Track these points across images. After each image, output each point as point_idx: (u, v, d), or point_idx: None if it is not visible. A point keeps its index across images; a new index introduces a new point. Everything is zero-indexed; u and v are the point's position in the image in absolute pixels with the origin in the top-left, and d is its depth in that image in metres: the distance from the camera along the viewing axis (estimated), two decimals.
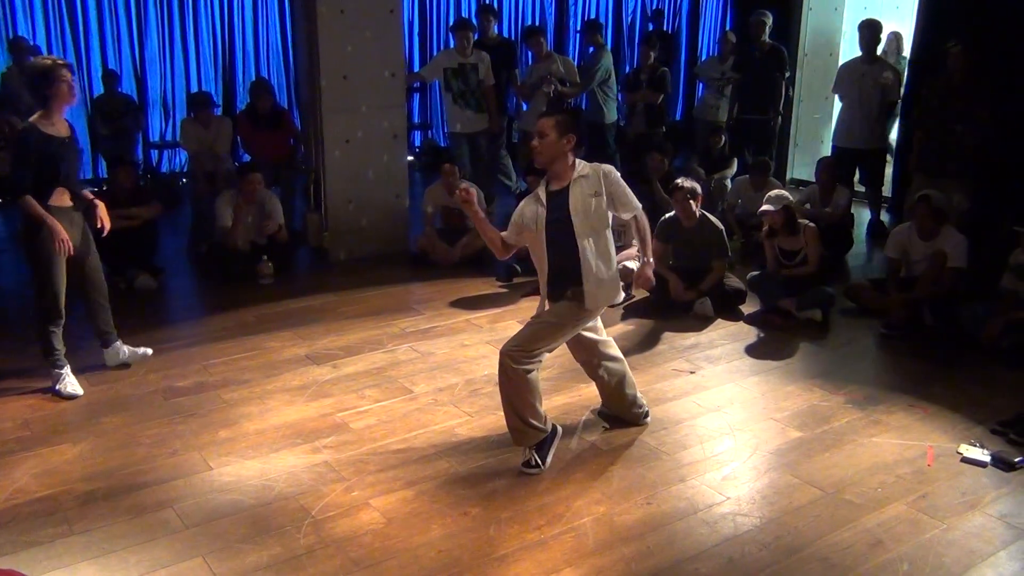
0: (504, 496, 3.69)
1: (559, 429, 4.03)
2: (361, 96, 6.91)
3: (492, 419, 4.39)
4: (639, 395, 4.32)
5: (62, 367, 4.66)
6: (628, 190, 3.90)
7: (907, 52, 8.51)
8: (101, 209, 4.66)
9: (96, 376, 4.82)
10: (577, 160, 3.86)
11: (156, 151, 9.87)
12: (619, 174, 3.89)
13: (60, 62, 4.39)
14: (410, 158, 8.84)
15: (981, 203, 6.75)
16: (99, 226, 4.67)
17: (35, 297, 4.59)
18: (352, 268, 6.98)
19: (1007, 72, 6.91)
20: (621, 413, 4.31)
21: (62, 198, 4.47)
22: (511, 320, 5.80)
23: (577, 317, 3.86)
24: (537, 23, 11.31)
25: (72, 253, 4.47)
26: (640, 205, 3.96)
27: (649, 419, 4.35)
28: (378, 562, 3.25)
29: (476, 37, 8.32)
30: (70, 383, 4.64)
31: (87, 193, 4.71)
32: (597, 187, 3.80)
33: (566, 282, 3.84)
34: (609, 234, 3.89)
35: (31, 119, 4.39)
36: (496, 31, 8.65)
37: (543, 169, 3.93)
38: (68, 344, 4.73)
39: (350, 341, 5.42)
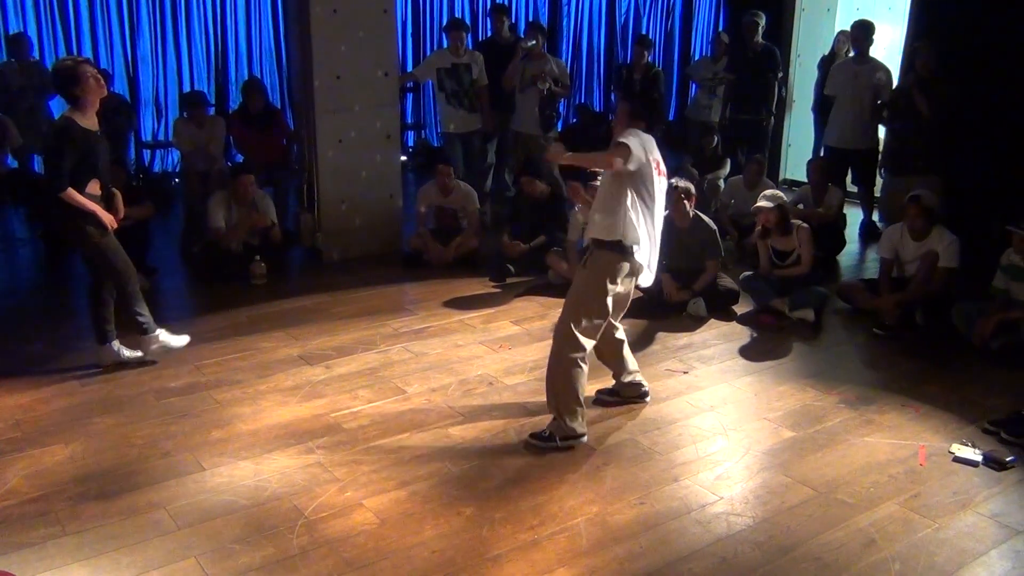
0: (497, 496, 3.69)
1: (585, 439, 4.15)
2: (354, 96, 6.90)
3: (485, 419, 4.39)
4: (639, 375, 4.59)
5: (153, 331, 4.83)
6: (596, 153, 4.30)
7: (897, 53, 8.54)
8: (118, 199, 4.82)
9: (88, 377, 4.80)
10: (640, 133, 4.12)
11: (148, 151, 9.83)
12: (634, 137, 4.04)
13: (80, 59, 4.56)
14: (403, 158, 8.83)
15: (958, 200, 6.80)
16: (117, 212, 4.81)
17: (105, 278, 4.71)
18: (345, 268, 6.97)
19: (992, 71, 6.97)
20: (623, 388, 4.55)
21: (95, 188, 4.61)
22: (504, 320, 5.80)
23: (589, 274, 4.11)
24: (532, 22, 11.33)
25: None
26: (596, 157, 4.25)
27: (648, 398, 4.59)
28: (371, 563, 3.24)
29: (491, 33, 8.32)
30: (171, 337, 4.87)
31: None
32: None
33: None
34: (627, 191, 4.00)
35: (65, 114, 4.51)
36: (508, 30, 8.64)
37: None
38: (62, 343, 4.73)
39: (343, 341, 5.41)
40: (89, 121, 4.53)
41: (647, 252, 4.13)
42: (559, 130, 8.19)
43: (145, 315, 4.83)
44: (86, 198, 4.54)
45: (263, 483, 3.78)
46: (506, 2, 9.85)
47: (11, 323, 5.66)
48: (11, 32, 8.62)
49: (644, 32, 11.60)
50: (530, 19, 11.31)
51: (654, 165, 4.06)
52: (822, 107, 9.13)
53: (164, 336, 4.91)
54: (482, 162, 8.10)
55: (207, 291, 6.48)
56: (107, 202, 4.75)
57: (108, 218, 4.62)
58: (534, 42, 7.79)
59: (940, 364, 5.18)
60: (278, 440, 4.17)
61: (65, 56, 4.75)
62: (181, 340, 4.98)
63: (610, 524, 3.50)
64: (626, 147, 3.88)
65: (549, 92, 7.78)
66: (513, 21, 11.07)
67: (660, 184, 4.13)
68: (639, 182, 4.00)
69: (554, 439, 4.06)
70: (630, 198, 3.99)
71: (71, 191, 4.47)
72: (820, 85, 9.10)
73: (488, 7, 9.59)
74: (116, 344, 4.97)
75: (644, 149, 3.99)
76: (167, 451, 4.05)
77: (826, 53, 9.26)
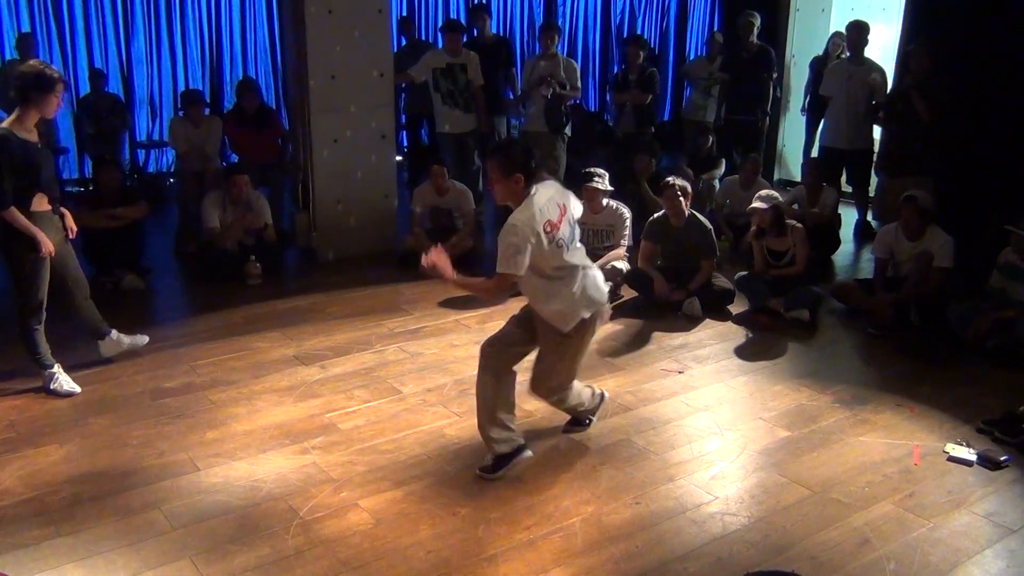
0: (493, 496, 3.69)
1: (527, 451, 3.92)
2: (349, 96, 6.90)
3: None
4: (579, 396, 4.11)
5: (51, 366, 4.64)
6: (498, 248, 3.53)
7: (892, 54, 8.56)
8: (68, 218, 4.64)
9: (83, 377, 4.77)
10: (535, 189, 3.60)
11: (143, 151, 9.82)
12: (509, 232, 3.51)
13: (62, 78, 4.36)
14: (398, 158, 8.82)
15: (952, 201, 6.82)
16: (68, 235, 4.65)
17: (18, 301, 4.55)
18: (340, 268, 6.96)
19: (987, 72, 6.98)
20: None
21: (41, 203, 4.42)
22: (500, 320, 5.74)
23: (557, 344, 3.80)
24: (525, 22, 11.34)
25: (53, 255, 4.45)
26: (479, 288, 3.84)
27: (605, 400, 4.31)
28: (367, 563, 3.24)
29: (475, 34, 8.32)
30: (64, 381, 4.63)
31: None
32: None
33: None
34: (550, 273, 3.64)
35: (3, 124, 4.31)
36: (491, 30, 8.63)
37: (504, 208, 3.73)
38: (56, 343, 4.70)
39: (338, 341, 5.41)
40: (29, 133, 4.32)
41: (584, 297, 3.72)
42: (569, 132, 8.12)
43: (42, 352, 4.61)
44: (32, 217, 4.32)
45: (258, 483, 3.77)
46: (487, 1, 9.83)
47: (5, 324, 5.63)
48: (12, 32, 8.62)
49: (639, 32, 11.61)
50: (525, 19, 11.35)
51: (545, 231, 3.53)
52: (814, 108, 9.18)
53: (63, 380, 4.62)
54: (471, 165, 8.10)
55: (202, 291, 6.47)
56: (60, 217, 4.57)
57: (47, 247, 4.35)
58: (552, 91, 7.75)
59: (935, 364, 5.20)
60: (273, 440, 4.16)
61: (50, 65, 4.50)
62: (73, 387, 4.62)
63: (605, 524, 3.50)
64: (504, 276, 3.55)
65: (554, 95, 7.77)
66: (509, 20, 11.14)
67: (566, 233, 3.66)
68: (537, 267, 3.60)
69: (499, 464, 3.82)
70: (542, 282, 3.67)
71: (14, 211, 4.25)
72: (812, 85, 9.14)
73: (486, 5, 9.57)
74: (114, 333, 4.96)
75: (530, 229, 3.48)
76: (162, 451, 4.04)
77: (818, 54, 9.30)
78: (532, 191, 3.59)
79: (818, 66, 9.15)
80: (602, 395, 4.33)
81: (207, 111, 7.97)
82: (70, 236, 4.67)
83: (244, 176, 6.65)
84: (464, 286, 4.00)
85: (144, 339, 5.01)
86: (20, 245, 4.36)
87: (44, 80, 4.24)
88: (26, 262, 4.40)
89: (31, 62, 4.46)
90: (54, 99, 4.30)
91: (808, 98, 9.40)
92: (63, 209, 4.64)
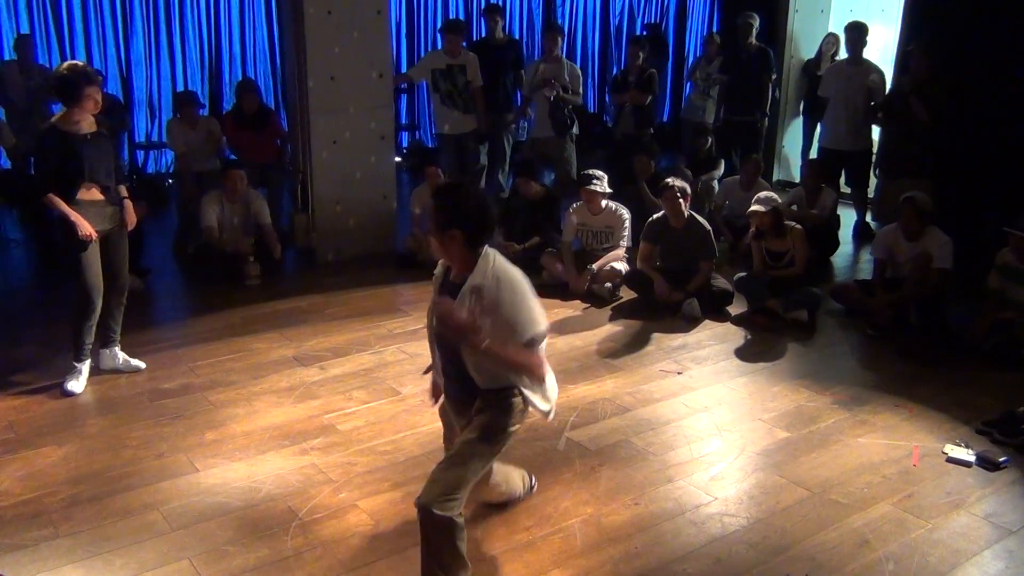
0: None
1: None
2: (348, 97, 6.90)
3: None
4: (512, 481, 3.56)
5: (84, 361, 4.70)
6: (521, 312, 2.85)
7: (891, 55, 8.57)
8: (128, 208, 4.74)
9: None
10: (488, 255, 2.92)
11: (142, 152, 9.81)
12: (523, 287, 2.89)
13: (90, 80, 4.44)
14: (398, 159, 8.82)
15: (951, 202, 6.83)
16: (127, 225, 4.76)
17: (75, 297, 4.61)
18: (339, 269, 6.96)
19: (986, 74, 6.99)
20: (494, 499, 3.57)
21: (91, 192, 4.53)
22: None
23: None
24: (524, 24, 11.34)
25: (95, 238, 4.54)
26: (528, 336, 2.86)
27: (534, 488, 3.70)
28: (366, 564, 3.24)
29: (486, 34, 8.32)
30: (77, 383, 4.65)
31: (122, 189, 4.75)
32: (488, 303, 2.84)
33: (464, 396, 3.05)
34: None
35: (52, 119, 4.49)
36: (503, 31, 8.63)
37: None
38: (56, 344, 4.73)
39: (337, 342, 5.40)
40: (78, 125, 4.45)
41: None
42: (575, 133, 8.14)
43: (86, 346, 4.67)
44: (78, 204, 4.46)
45: (257, 484, 3.77)
46: (500, 2, 9.84)
47: (5, 324, 5.64)
48: (11, 33, 8.61)
49: (640, 32, 11.62)
50: (524, 19, 11.35)
51: None
52: (810, 110, 9.19)
53: (82, 380, 4.68)
54: (474, 164, 8.11)
55: (201, 292, 6.46)
56: (118, 208, 4.68)
57: (86, 230, 4.44)
58: (556, 93, 7.76)
59: (933, 365, 5.20)
60: (272, 441, 4.16)
61: (80, 65, 4.60)
62: (76, 388, 4.67)
63: (604, 525, 3.50)
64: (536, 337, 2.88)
65: (556, 98, 7.78)
66: (508, 21, 11.13)
67: None
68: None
69: None
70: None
71: (51, 197, 4.41)
72: (807, 88, 9.15)
73: (482, 8, 9.58)
74: (117, 349, 4.94)
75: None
76: (161, 452, 4.04)
77: (811, 56, 9.33)
78: (487, 253, 2.92)
79: (811, 69, 9.17)
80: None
81: (205, 112, 7.95)
82: (127, 227, 4.76)
83: (239, 171, 6.64)
84: (499, 355, 2.86)
85: (142, 365, 4.98)
86: (63, 231, 4.49)
87: (69, 84, 4.38)
88: (70, 247, 4.50)
89: (64, 64, 4.60)
90: (86, 100, 4.42)
91: (803, 100, 9.42)
92: (127, 201, 4.74)
